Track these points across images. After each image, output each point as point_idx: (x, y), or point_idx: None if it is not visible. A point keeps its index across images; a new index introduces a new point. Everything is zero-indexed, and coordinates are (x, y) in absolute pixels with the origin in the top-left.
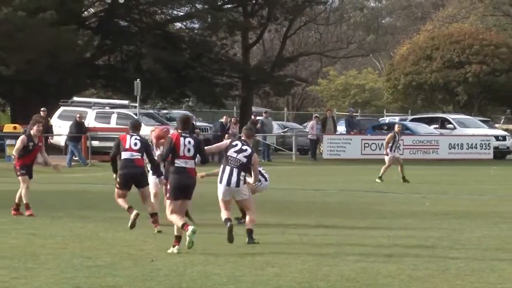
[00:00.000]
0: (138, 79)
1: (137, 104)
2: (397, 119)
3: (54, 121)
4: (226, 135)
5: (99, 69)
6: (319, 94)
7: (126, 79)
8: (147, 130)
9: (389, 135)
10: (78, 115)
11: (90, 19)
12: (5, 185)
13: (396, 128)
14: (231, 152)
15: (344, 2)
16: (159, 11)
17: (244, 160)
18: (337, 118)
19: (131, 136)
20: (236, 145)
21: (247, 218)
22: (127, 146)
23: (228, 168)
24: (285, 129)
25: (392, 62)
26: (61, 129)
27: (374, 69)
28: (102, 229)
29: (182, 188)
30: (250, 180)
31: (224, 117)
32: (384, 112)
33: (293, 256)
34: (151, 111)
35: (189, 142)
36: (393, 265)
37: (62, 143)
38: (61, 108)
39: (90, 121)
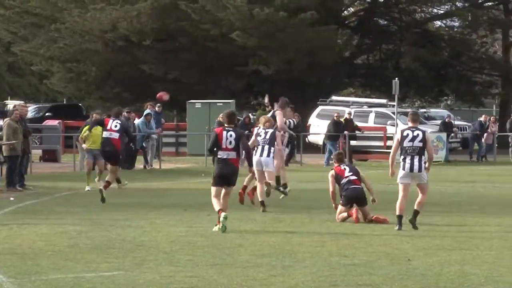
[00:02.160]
0: (396, 78)
1: (395, 103)
2: None
3: (312, 120)
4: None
5: (357, 68)
6: None
7: (384, 78)
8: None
9: None
10: (336, 114)
11: (349, 18)
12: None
13: None
14: (405, 143)
15: None
16: (419, 10)
17: (420, 144)
18: None
19: (227, 131)
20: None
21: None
22: (223, 146)
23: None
24: None
25: None
26: (319, 128)
27: None
28: (358, 227)
29: (223, 177)
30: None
31: (483, 116)
32: None
33: None
34: (409, 110)
35: (231, 135)
36: None
37: (320, 142)
38: (320, 107)
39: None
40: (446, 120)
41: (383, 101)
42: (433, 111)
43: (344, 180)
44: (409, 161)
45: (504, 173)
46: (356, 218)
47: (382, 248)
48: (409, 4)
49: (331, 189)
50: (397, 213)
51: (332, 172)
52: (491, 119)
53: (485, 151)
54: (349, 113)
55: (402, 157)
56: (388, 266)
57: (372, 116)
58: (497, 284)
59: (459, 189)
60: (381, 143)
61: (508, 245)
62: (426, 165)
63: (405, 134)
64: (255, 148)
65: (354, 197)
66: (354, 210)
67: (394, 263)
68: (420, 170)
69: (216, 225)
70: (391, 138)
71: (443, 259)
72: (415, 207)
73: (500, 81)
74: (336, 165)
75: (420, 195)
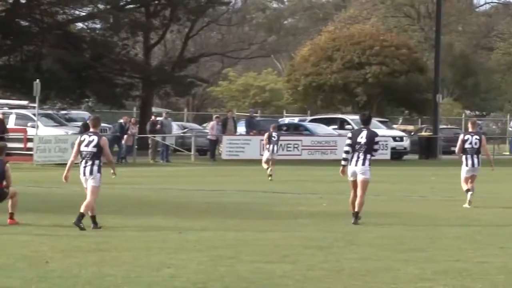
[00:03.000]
0: (38, 80)
1: (36, 105)
2: (296, 119)
3: None
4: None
5: None
6: (219, 95)
7: (25, 80)
8: (46, 131)
9: (266, 134)
10: None
11: None
12: None
13: (271, 128)
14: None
15: (246, 2)
16: (61, 11)
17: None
18: (238, 119)
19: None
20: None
21: None
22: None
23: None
24: (185, 130)
25: (293, 63)
26: None
27: (273, 69)
28: None
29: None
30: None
31: (124, 117)
32: (284, 112)
33: (190, 257)
34: (50, 111)
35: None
36: (289, 265)
37: None
38: None
39: None
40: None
41: (24, 102)
42: (74, 112)
43: None
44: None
45: (144, 175)
46: None
47: (20, 251)
48: (51, 6)
49: None
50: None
51: None
52: (132, 120)
53: (126, 152)
54: (3, 114)
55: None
56: (26, 268)
57: (12, 118)
58: (133, 285)
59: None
60: (21, 145)
61: (145, 246)
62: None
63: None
64: None
65: None
66: None
67: (32, 266)
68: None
69: None
70: (31, 140)
71: (82, 260)
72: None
73: (141, 83)
74: None
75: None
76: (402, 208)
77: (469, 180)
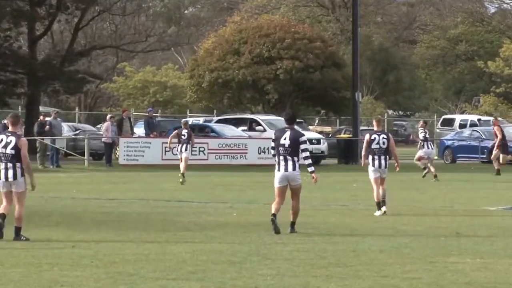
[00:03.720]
0: None
1: None
2: (201, 120)
3: None
4: None
5: None
6: (115, 92)
7: None
8: None
9: (174, 132)
10: None
11: None
12: None
13: (182, 124)
14: None
15: None
16: None
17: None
18: (135, 119)
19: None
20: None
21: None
22: None
23: None
24: (77, 131)
25: (196, 57)
26: None
27: (175, 64)
28: None
29: None
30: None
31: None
32: (187, 112)
33: (85, 274)
34: None
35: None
36: (196, 282)
37: None
38: None
39: None
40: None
41: None
42: None
43: None
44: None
45: None
46: None
47: None
48: None
49: None
50: None
51: None
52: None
53: None
54: None
55: None
56: None
57: None
58: None
59: None
60: None
61: (35, 261)
62: None
63: None
64: None
65: None
66: None
67: None
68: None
69: None
70: None
71: None
72: None
73: (26, 79)
74: None
75: None
76: (322, 219)
77: (379, 184)
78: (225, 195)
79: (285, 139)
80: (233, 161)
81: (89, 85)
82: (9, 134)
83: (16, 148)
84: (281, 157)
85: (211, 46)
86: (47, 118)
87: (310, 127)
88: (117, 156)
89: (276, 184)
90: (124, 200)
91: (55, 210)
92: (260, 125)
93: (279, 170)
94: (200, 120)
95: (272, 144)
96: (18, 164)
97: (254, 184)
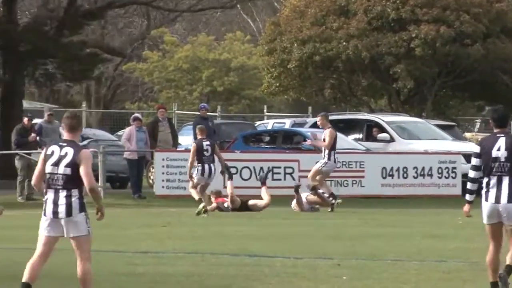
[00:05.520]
0: None
1: None
2: (288, 122)
3: None
4: None
5: None
6: (145, 77)
7: None
8: None
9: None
10: None
11: None
12: None
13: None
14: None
15: None
16: None
17: None
18: (180, 120)
19: None
20: None
21: None
22: None
23: None
24: (85, 142)
25: (278, 20)
26: None
27: (243, 32)
28: None
29: None
30: None
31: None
32: (265, 109)
33: None
34: None
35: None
36: None
37: None
38: None
39: None
40: None
41: None
42: None
43: None
44: None
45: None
46: None
47: None
48: None
49: None
50: None
51: None
52: None
53: None
54: None
55: None
56: None
57: None
58: None
59: None
60: None
61: None
62: None
63: None
64: None
65: None
66: None
67: None
68: None
69: None
70: None
71: None
72: None
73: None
74: None
75: None
76: None
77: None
78: (327, 244)
79: (498, 149)
80: (341, 189)
81: (104, 66)
82: (65, 144)
83: (73, 165)
84: (493, 178)
85: (303, 1)
86: (36, 120)
87: (467, 134)
88: (150, 181)
89: (485, 220)
90: (164, 254)
91: (58, 270)
92: (384, 130)
93: (487, 199)
94: (286, 124)
95: (474, 161)
96: (75, 192)
97: (376, 229)
